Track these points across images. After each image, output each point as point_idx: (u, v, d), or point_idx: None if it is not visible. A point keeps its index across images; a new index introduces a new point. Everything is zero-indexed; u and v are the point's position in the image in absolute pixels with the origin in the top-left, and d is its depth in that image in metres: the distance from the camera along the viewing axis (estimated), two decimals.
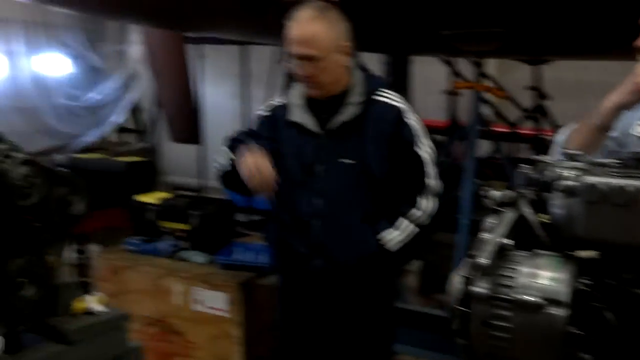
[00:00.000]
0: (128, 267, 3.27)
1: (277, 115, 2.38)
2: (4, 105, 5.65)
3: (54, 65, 6.56)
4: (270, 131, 2.40)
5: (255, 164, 2.17)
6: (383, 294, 2.43)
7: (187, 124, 5.73)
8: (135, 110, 7.65)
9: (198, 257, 3.26)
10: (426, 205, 2.27)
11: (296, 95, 2.35)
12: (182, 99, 5.54)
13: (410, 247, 2.29)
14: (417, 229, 2.27)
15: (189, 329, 3.13)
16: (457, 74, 5.49)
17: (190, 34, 5.79)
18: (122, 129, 7.75)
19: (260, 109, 2.49)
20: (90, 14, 6.00)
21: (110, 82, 6.74)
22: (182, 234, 3.36)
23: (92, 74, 6.91)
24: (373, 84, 2.32)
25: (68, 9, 5.22)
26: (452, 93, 5.71)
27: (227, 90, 8.07)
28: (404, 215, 2.26)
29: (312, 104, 2.32)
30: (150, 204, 3.41)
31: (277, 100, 2.45)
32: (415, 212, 2.26)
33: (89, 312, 1.77)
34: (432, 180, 2.29)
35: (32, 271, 1.60)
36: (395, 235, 2.26)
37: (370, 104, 2.28)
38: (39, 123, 6.04)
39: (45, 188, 1.59)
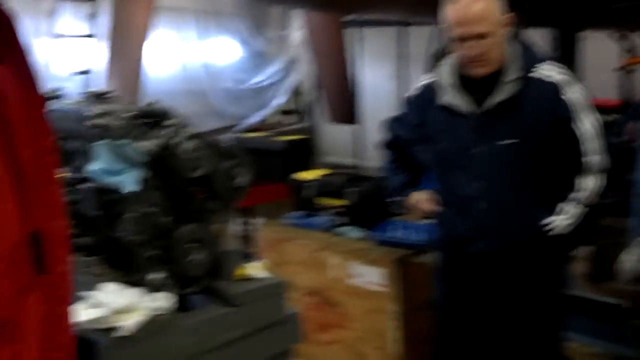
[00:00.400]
0: (288, 239, 3.41)
1: (426, 95, 2.34)
2: (178, 89, 6.09)
3: (222, 51, 6.96)
4: (418, 113, 2.38)
5: (421, 209, 2.44)
6: (549, 280, 2.32)
7: (345, 105, 5.82)
8: (296, 93, 7.92)
9: (354, 232, 3.32)
10: (587, 184, 2.15)
11: (447, 75, 2.27)
12: (340, 80, 5.63)
13: (576, 232, 2.18)
14: (584, 210, 2.15)
15: (344, 301, 3.21)
16: (631, 50, 5.08)
17: (351, 16, 5.87)
18: (283, 111, 8.07)
19: (411, 91, 2.48)
20: (256, 1, 6.29)
21: (273, 66, 7.01)
22: (339, 210, 3.44)
23: (256, 59, 7.24)
24: (531, 58, 2.20)
25: None
26: (626, 70, 5.30)
27: (385, 72, 8.08)
28: (565, 199, 2.16)
29: (466, 83, 2.23)
30: (309, 180, 3.52)
31: (426, 80, 2.39)
32: (576, 195, 2.15)
33: (250, 278, 1.87)
34: (595, 156, 2.14)
35: (200, 238, 1.72)
36: (559, 221, 2.16)
37: (528, 80, 2.17)
38: (208, 105, 6.45)
39: (212, 161, 1.70)
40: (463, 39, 2.13)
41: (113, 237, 1.69)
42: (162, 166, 1.64)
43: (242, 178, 1.77)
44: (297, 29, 6.67)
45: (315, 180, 3.53)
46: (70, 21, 5.11)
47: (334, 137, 7.70)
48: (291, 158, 4.33)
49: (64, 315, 0.94)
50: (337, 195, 3.44)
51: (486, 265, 2.28)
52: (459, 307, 2.42)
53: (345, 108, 5.80)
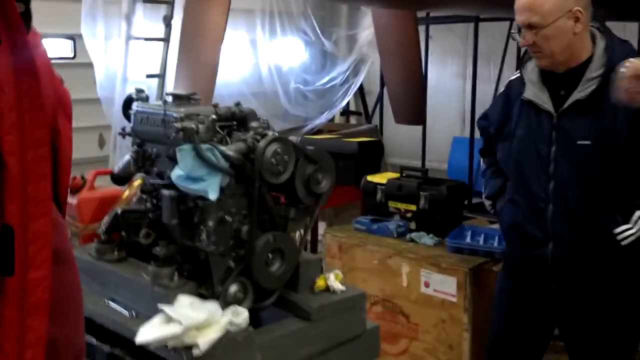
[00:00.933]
0: (356, 245, 3.32)
1: (512, 90, 2.29)
2: (247, 91, 6.09)
3: (290, 51, 6.93)
4: (503, 109, 2.32)
5: None
6: (622, 289, 2.18)
7: (414, 105, 5.68)
8: (361, 93, 7.83)
9: (427, 239, 3.21)
10: None
11: (531, 70, 2.20)
12: (411, 79, 5.49)
13: None
14: None
15: (415, 311, 3.10)
16: None
17: (421, 13, 5.74)
18: (347, 112, 8.00)
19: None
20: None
21: (339, 66, 6.94)
22: (410, 215, 3.34)
23: (324, 59, 7.18)
24: (618, 53, 2.04)
25: None
26: None
27: (451, 70, 7.91)
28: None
29: (549, 79, 2.15)
30: (380, 184, 3.43)
31: (514, 75, 2.34)
32: None
33: (328, 290, 1.79)
34: None
35: (280, 248, 1.65)
36: (628, 230, 2.04)
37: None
38: (275, 107, 6.43)
39: (295, 166, 1.63)
40: (519, 27, 2.10)
41: (190, 246, 1.64)
42: (243, 171, 1.57)
43: (325, 184, 1.70)
44: (367, 28, 6.57)
45: (386, 183, 3.43)
46: (146, 24, 5.14)
47: (399, 137, 7.58)
48: (362, 160, 4.22)
49: (31, 329, 0.85)
50: (409, 199, 3.34)
51: (556, 269, 2.18)
52: (521, 311, 2.34)
53: (415, 108, 5.66)
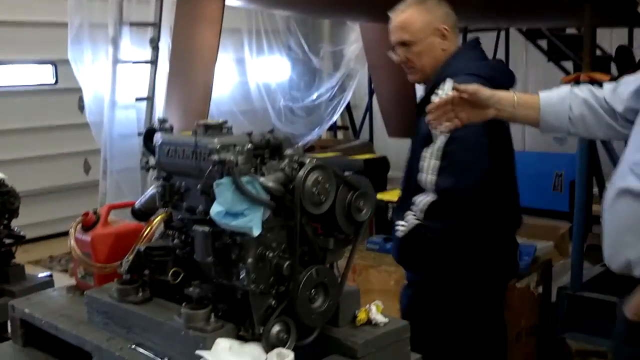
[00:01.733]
0: (371, 266, 3.22)
1: None
2: (234, 110, 5.98)
3: (277, 69, 6.85)
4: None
5: None
6: (424, 286, 2.42)
7: (407, 118, 5.61)
8: (347, 107, 7.76)
9: None
10: (419, 200, 2.23)
11: None
12: (403, 92, 5.44)
13: (414, 242, 2.26)
14: (415, 223, 2.24)
15: None
16: None
17: None
18: (334, 127, 7.91)
19: None
20: (310, 16, 6.15)
21: (327, 82, 6.88)
22: None
23: (311, 76, 7.12)
24: (446, 71, 2.24)
25: (294, 11, 5.38)
26: None
27: None
28: (410, 209, 2.28)
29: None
30: (391, 201, 3.33)
31: None
32: (413, 207, 2.26)
33: (370, 323, 1.69)
34: (425, 175, 2.20)
35: (322, 282, 1.54)
36: (401, 225, 2.29)
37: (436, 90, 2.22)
38: (264, 125, 6.32)
39: (335, 194, 1.52)
40: (393, 45, 2.31)
41: (226, 285, 1.52)
42: (283, 203, 1.46)
43: (366, 211, 1.59)
44: (352, 43, 6.52)
45: (397, 201, 3.32)
46: (133, 47, 5.02)
47: (387, 150, 7.51)
48: (368, 178, 4.12)
49: None
50: None
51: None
52: None
53: (408, 121, 5.58)
